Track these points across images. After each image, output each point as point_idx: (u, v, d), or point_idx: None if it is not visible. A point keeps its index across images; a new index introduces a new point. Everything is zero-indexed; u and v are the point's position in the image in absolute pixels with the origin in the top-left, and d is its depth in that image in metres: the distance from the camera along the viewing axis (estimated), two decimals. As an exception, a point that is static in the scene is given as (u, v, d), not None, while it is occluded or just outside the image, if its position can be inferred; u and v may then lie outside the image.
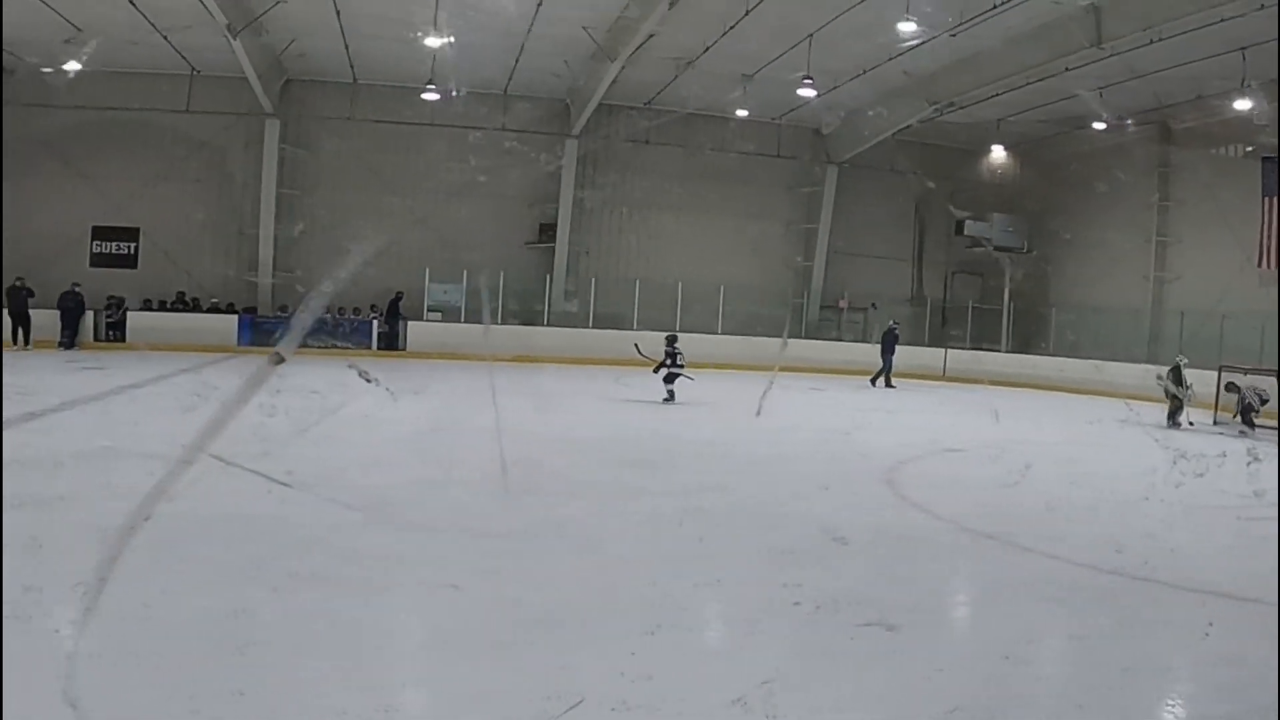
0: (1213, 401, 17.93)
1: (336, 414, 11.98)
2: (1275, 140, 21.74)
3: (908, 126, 27.03)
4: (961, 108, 25.17)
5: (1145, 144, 26.27)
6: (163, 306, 26.60)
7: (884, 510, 9.04)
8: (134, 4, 20.65)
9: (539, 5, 20.77)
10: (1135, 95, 23.67)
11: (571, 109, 28.26)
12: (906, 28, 19.49)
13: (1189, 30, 18.19)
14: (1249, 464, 9.94)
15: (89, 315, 24.64)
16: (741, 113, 27.01)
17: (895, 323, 25.38)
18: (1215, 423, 17.45)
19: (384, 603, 5.68)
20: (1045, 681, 4.92)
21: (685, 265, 29.11)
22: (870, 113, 27.31)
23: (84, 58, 23.32)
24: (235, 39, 21.51)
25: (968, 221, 29.35)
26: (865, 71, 23.70)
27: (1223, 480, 10.03)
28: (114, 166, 26.66)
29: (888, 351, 23.97)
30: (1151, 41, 18.97)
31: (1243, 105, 21.63)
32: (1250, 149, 23.51)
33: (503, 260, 27.94)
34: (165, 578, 5.63)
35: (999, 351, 28.53)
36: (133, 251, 27.28)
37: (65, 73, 24.08)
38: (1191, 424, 17.28)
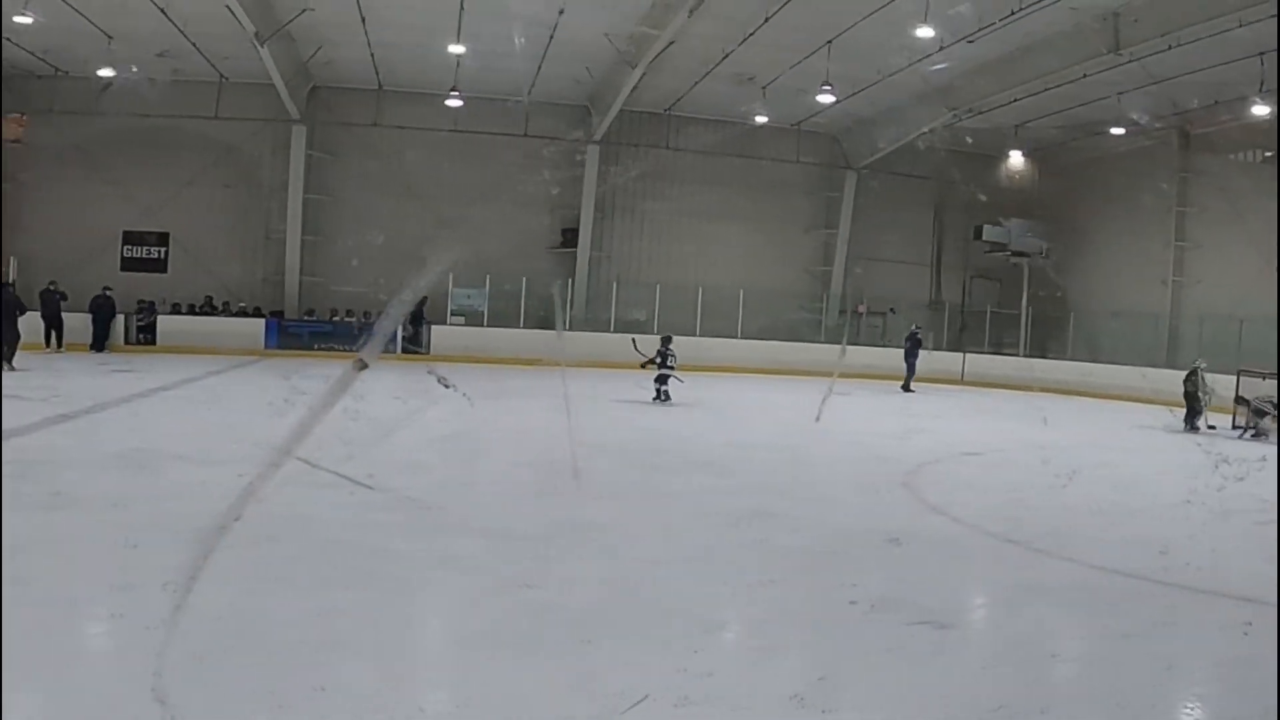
0: (1231, 406, 17.83)
1: (416, 418, 12.03)
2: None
3: (926, 132, 26.95)
4: (980, 113, 25.10)
5: (1163, 149, 26.14)
6: (192, 310, 26.78)
7: (934, 514, 9.08)
8: (164, 12, 20.80)
9: (561, 13, 20.80)
10: (1153, 100, 23.54)
11: (593, 115, 28.29)
12: (925, 34, 19.45)
13: (1207, 36, 18.09)
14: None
15: (120, 318, 24.81)
16: (761, 119, 26.98)
17: (918, 327, 25.26)
18: (1234, 426, 17.34)
19: (463, 601, 5.76)
20: (1089, 680, 4.94)
21: (705, 270, 29.10)
22: (889, 118, 27.28)
23: (173, 72, 23.80)
24: (263, 46, 21.64)
25: (986, 226, 29.22)
26: (884, 78, 23.65)
27: (1263, 486, 10.05)
28: (144, 172, 26.90)
29: (911, 356, 23.84)
30: (1170, 47, 18.91)
31: (1261, 110, 21.46)
32: (1269, 154, 23.33)
33: (525, 265, 28.02)
34: (252, 577, 5.71)
35: (1017, 356, 28.40)
36: (162, 256, 27.51)
37: (157, 82, 24.52)
38: (1212, 427, 17.18)
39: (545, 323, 27.34)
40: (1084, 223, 28.65)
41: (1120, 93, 22.97)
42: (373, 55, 24.71)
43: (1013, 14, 18.35)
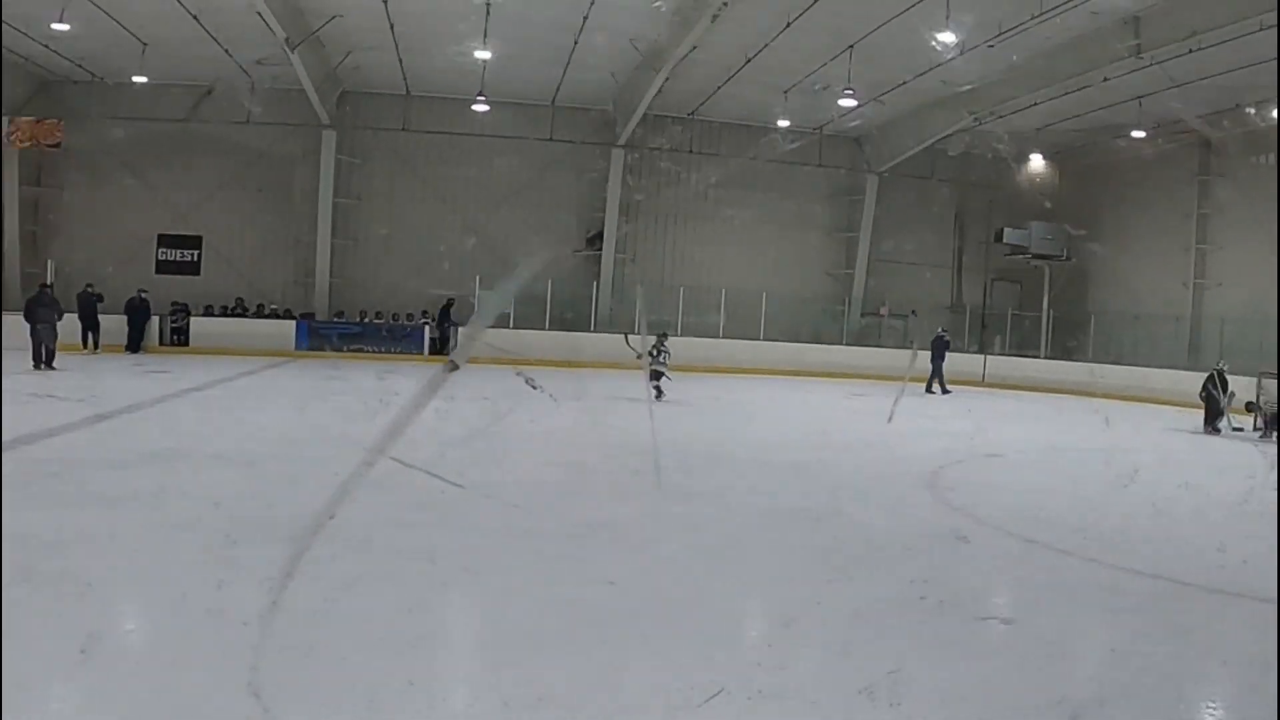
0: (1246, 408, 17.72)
1: (503, 420, 12.12)
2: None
3: (947, 136, 26.83)
4: (1001, 117, 24.98)
5: (1184, 152, 25.96)
6: (224, 312, 26.95)
7: (1001, 511, 9.08)
8: (197, 19, 20.97)
9: (585, 18, 20.84)
10: (1174, 104, 23.33)
11: (618, 119, 28.31)
12: (946, 39, 19.36)
13: (1228, 40, 17.93)
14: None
15: (154, 320, 24.97)
16: (783, 123, 26.92)
17: (944, 330, 25.10)
18: (1256, 428, 17.20)
19: (548, 595, 5.80)
20: (1148, 674, 4.95)
21: (728, 272, 29.09)
22: (910, 122, 27.19)
23: (272, 79, 24.29)
24: (293, 52, 21.77)
25: (1007, 229, 29.06)
26: (905, 82, 23.57)
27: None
28: (179, 177, 27.13)
29: (937, 358, 23.67)
30: (1190, 51, 18.75)
31: (1281, 113, 21.28)
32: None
33: (551, 268, 28.07)
34: (345, 573, 5.75)
35: (1038, 358, 28.23)
36: (196, 259, 27.72)
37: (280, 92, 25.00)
38: (1238, 429, 17.02)
39: (569, 324, 27.35)
40: (1105, 225, 28.44)
41: (1141, 96, 22.82)
42: (401, 61, 24.81)
43: (1033, 18, 18.26)
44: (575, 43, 22.60)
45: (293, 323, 26.58)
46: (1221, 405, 17.42)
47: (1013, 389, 25.63)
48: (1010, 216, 29.30)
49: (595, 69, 24.80)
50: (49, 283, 21.60)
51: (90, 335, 22.96)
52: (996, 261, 30.91)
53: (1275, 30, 16.74)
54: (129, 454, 9.67)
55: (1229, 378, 17.58)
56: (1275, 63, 18.41)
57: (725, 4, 18.57)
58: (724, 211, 29.79)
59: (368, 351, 26.13)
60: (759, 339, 28.14)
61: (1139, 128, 24.67)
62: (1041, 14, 18.06)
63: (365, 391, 18.60)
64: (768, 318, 28.55)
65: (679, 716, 4.06)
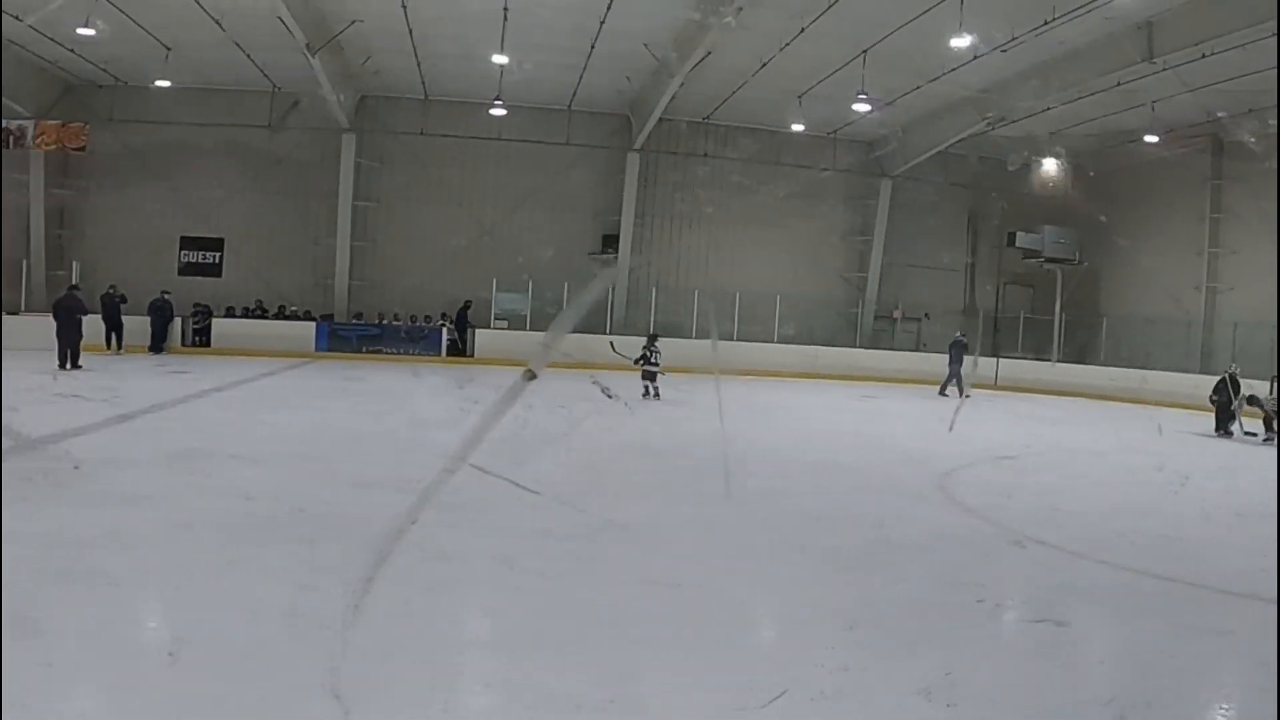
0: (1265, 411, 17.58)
1: (580, 426, 12.22)
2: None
3: (960, 140, 26.77)
4: (1014, 121, 24.90)
5: (1197, 156, 25.84)
6: (245, 313, 27.08)
7: (1054, 515, 9.11)
8: (219, 24, 21.09)
9: (602, 23, 20.86)
10: (1187, 108, 23.26)
11: (633, 123, 28.34)
12: (959, 44, 19.32)
13: (1240, 44, 17.84)
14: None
15: (177, 321, 25.08)
16: (797, 127, 26.91)
17: (962, 334, 24.97)
18: (1270, 431, 17.12)
19: (621, 596, 5.88)
20: (1198, 676, 5.00)
21: (742, 275, 29.05)
22: (923, 127, 27.14)
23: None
24: (314, 57, 21.86)
25: (1020, 233, 28.97)
26: (919, 86, 23.52)
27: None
28: (201, 179, 27.25)
29: (955, 361, 23.56)
30: (1203, 55, 18.66)
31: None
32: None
33: (567, 270, 28.09)
34: (424, 577, 5.80)
35: (1051, 361, 28.13)
36: (217, 261, 27.86)
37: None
38: (1251, 434, 16.93)
39: (583, 327, 27.30)
40: (1118, 229, 28.32)
41: (1154, 101, 22.73)
42: (419, 65, 24.89)
43: (1046, 23, 18.21)
44: (591, 48, 22.64)
45: (312, 324, 26.68)
46: (1234, 409, 17.34)
47: (1025, 392, 25.53)
48: (1023, 220, 29.21)
49: (611, 74, 24.85)
50: (77, 284, 21.75)
51: (114, 336, 23.06)
52: (1009, 265, 30.80)
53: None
54: (154, 453, 9.71)
55: (1241, 381, 17.51)
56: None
57: (740, 9, 18.57)
58: (738, 214, 29.77)
59: (386, 353, 26.21)
60: (773, 341, 28.12)
61: (1152, 132, 24.56)
62: (1054, 19, 18.01)
63: (384, 393, 18.77)
64: (781, 320, 28.54)
65: (750, 717, 4.13)
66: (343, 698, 3.96)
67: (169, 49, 22.93)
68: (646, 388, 17.94)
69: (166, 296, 24.71)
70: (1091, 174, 27.59)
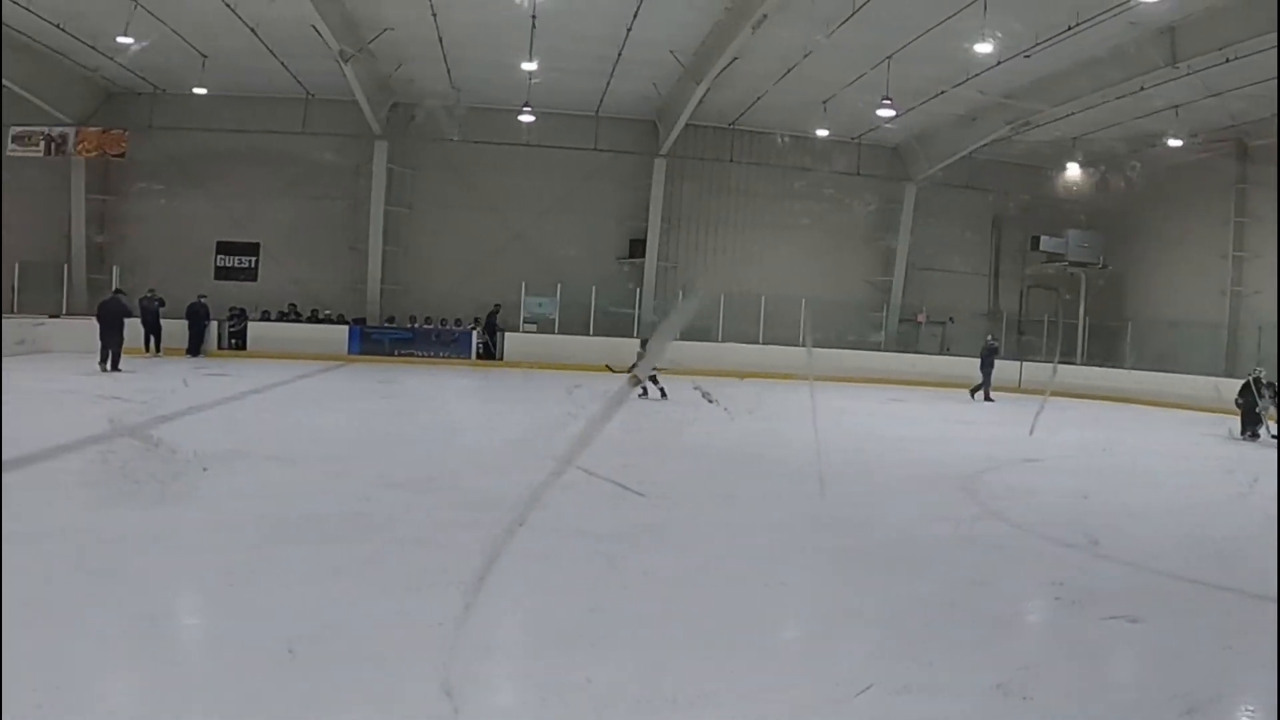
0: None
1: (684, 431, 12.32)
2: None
3: (984, 145, 26.62)
4: (1037, 126, 24.74)
5: (1221, 160, 25.57)
6: (281, 317, 27.27)
7: (1128, 515, 9.17)
8: (254, 32, 21.26)
9: (629, 30, 20.92)
10: (1211, 113, 23.04)
11: (660, 129, 28.38)
12: (983, 50, 19.23)
13: (1264, 49, 17.65)
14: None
15: (213, 325, 25.30)
16: (822, 132, 26.84)
17: (994, 338, 24.80)
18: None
19: (733, 595, 5.95)
20: (1265, 670, 4.95)
21: (768, 280, 28.95)
22: (947, 132, 27.02)
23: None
24: (346, 64, 22.01)
25: (1044, 237, 28.78)
26: (942, 92, 23.41)
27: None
28: (236, 185, 27.49)
29: (987, 366, 23.37)
30: (1227, 60, 18.49)
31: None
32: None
33: (595, 274, 28.18)
34: (530, 577, 5.87)
35: (1075, 364, 27.90)
36: (253, 265, 28.07)
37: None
38: (1276, 436, 16.71)
39: (612, 330, 27.33)
40: (1142, 233, 28.10)
41: (1178, 105, 22.53)
42: (450, 73, 25.00)
43: (1069, 29, 18.11)
44: (618, 54, 22.71)
45: (345, 328, 26.83)
46: (1259, 411, 17.14)
47: (1051, 395, 25.30)
48: (1047, 224, 29.02)
49: (638, 80, 24.91)
50: (121, 289, 21.98)
51: (152, 339, 23.27)
52: (1033, 269, 30.60)
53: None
54: (199, 453, 9.77)
55: (1265, 383, 17.30)
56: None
57: (765, 16, 18.55)
58: (763, 219, 29.79)
59: (418, 356, 26.33)
60: (799, 345, 28.01)
61: (1176, 136, 24.34)
62: (1078, 24, 17.91)
63: (416, 394, 18.86)
64: (807, 324, 28.42)
65: (840, 708, 4.22)
66: (453, 694, 4.02)
67: (206, 57, 23.18)
68: (645, 389, 17.96)
69: (203, 300, 24.94)
70: (1115, 178, 27.39)
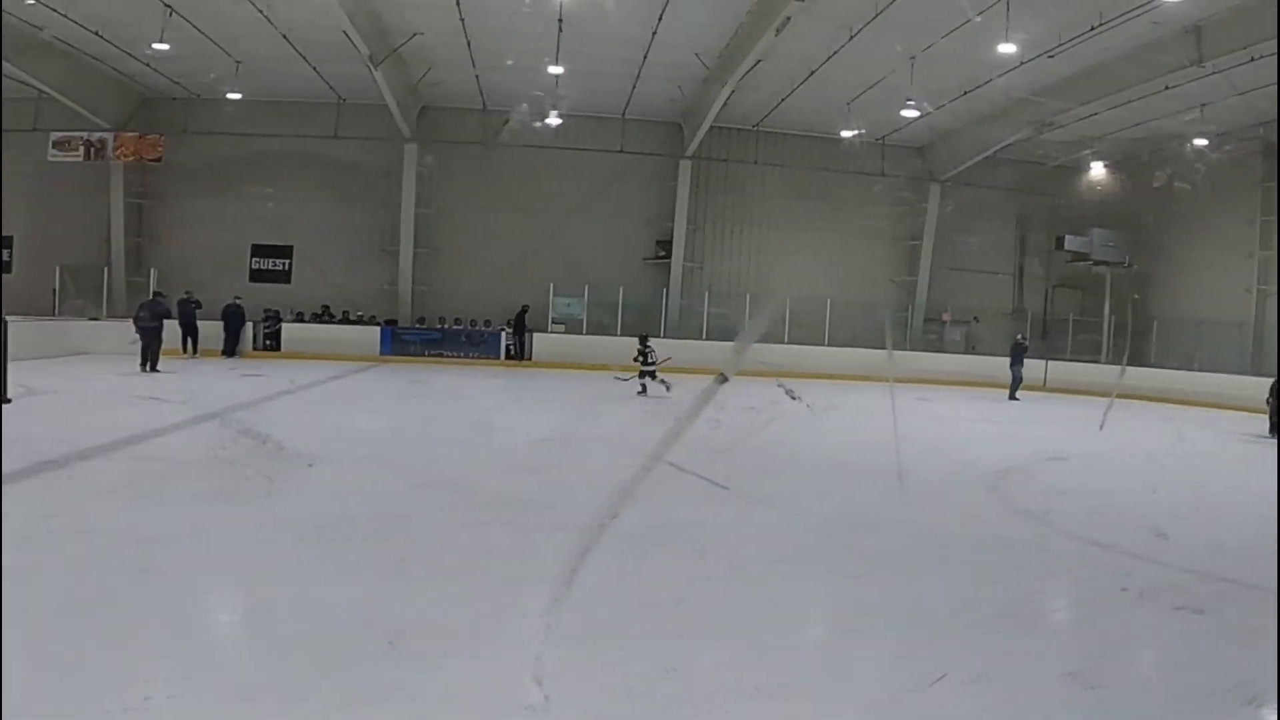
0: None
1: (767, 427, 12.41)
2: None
3: (1008, 145, 26.46)
4: (1061, 126, 24.56)
5: (1246, 159, 25.27)
6: (314, 318, 27.48)
7: (1195, 509, 9.26)
8: (287, 38, 21.43)
9: (654, 34, 20.94)
10: (1236, 111, 22.79)
11: (685, 131, 28.38)
12: (1007, 50, 19.12)
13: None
14: None
15: (249, 326, 25.50)
16: (846, 133, 26.75)
17: (1023, 337, 24.56)
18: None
19: (798, 592, 6.01)
20: None
21: (793, 279, 28.93)
22: (972, 132, 26.85)
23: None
24: (377, 69, 22.15)
25: (1068, 236, 28.56)
26: (966, 92, 23.28)
27: None
28: (270, 189, 27.64)
29: (1016, 364, 23.19)
30: (1252, 59, 18.30)
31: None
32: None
33: (621, 275, 28.24)
34: (620, 568, 5.96)
35: (1099, 363, 27.68)
36: (287, 267, 28.30)
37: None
38: None
39: (638, 330, 27.34)
40: (1166, 232, 27.82)
41: (1203, 104, 22.32)
42: (478, 76, 25.12)
43: (1093, 29, 17.99)
44: (644, 58, 22.74)
45: (376, 328, 27.00)
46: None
47: (1074, 394, 25.13)
48: (1071, 224, 28.81)
49: (663, 83, 24.91)
50: (161, 292, 22.21)
51: (189, 340, 23.47)
52: (1057, 268, 30.41)
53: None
54: (238, 452, 9.86)
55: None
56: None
57: (789, 18, 18.53)
58: (789, 220, 29.74)
59: (448, 356, 26.45)
60: (824, 344, 27.95)
61: (1201, 135, 24.10)
62: (1102, 24, 17.79)
63: (448, 393, 18.95)
64: (833, 323, 28.36)
65: (914, 697, 4.29)
66: (543, 684, 4.10)
67: (239, 62, 23.40)
68: (643, 385, 18.23)
69: (239, 302, 25.14)
70: (1140, 177, 27.19)
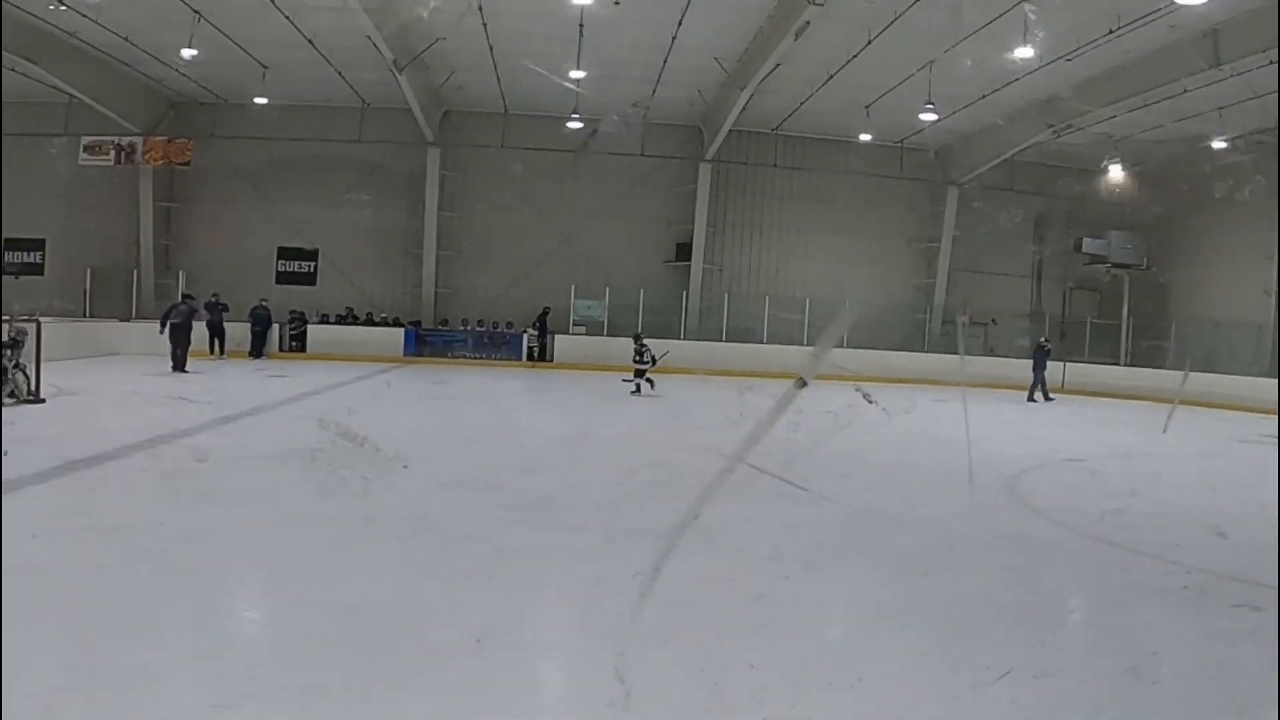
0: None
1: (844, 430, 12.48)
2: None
3: (1026, 147, 26.34)
4: (1079, 128, 24.43)
5: (1265, 161, 25.04)
6: (339, 320, 27.62)
7: (1248, 506, 9.29)
8: (312, 43, 21.57)
9: (674, 38, 20.96)
10: (1254, 114, 22.61)
11: (705, 134, 28.39)
12: (1024, 53, 19.04)
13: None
14: None
15: (275, 328, 25.66)
16: (865, 136, 26.68)
17: (1046, 339, 24.41)
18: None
19: (864, 593, 6.06)
20: None
21: (812, 282, 28.87)
22: (990, 135, 26.74)
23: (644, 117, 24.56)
24: (400, 74, 22.28)
25: (1086, 239, 28.38)
26: (984, 95, 23.21)
27: None
28: (296, 192, 27.89)
29: (1039, 367, 23.05)
30: (1270, 62, 18.14)
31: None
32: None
33: (642, 278, 28.27)
34: (699, 568, 6.00)
35: (1118, 365, 27.51)
36: (312, 270, 28.45)
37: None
38: None
39: (659, 332, 27.36)
40: (1185, 234, 27.62)
41: (1221, 107, 22.15)
42: (499, 81, 25.20)
43: (1111, 32, 17.90)
44: (664, 62, 22.77)
45: (400, 330, 27.12)
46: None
47: (1093, 396, 24.99)
48: (1089, 226, 28.65)
49: (683, 87, 24.93)
50: (190, 294, 22.39)
51: (217, 342, 23.59)
52: (1075, 270, 30.21)
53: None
54: (263, 451, 9.93)
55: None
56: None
57: (808, 22, 18.51)
58: (807, 222, 29.72)
59: (470, 358, 26.55)
60: (843, 346, 27.83)
61: (1219, 137, 23.93)
62: (1120, 28, 17.69)
63: (472, 394, 19.01)
64: (851, 326, 28.23)
65: (980, 691, 4.35)
66: (625, 680, 4.15)
67: (266, 68, 23.55)
68: (638, 385, 18.43)
69: (265, 304, 25.30)
70: (1158, 180, 27.03)
